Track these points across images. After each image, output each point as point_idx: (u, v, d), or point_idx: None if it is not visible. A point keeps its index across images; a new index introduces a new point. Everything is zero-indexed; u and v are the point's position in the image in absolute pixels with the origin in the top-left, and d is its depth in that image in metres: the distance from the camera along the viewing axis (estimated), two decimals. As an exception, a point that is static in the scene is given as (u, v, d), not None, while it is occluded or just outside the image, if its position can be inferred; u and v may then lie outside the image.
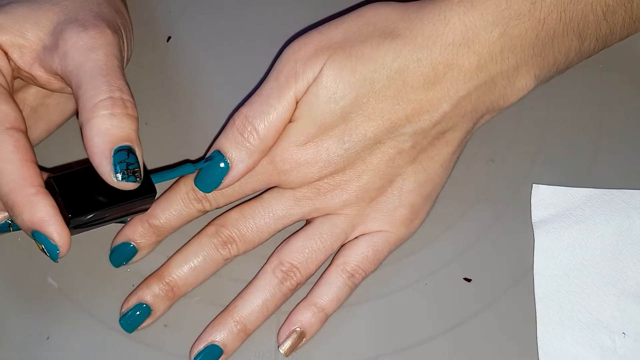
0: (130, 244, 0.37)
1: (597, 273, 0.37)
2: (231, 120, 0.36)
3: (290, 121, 0.36)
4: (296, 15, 0.44)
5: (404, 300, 0.37)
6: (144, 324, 0.36)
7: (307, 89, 0.35)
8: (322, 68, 0.35)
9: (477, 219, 0.39)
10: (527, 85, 0.37)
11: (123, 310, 0.36)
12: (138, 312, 0.36)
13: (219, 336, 0.36)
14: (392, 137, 0.36)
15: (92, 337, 0.37)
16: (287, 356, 0.36)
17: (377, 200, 0.37)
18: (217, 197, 0.37)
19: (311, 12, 0.44)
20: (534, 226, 0.38)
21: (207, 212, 0.38)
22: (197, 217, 0.38)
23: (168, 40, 0.45)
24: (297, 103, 0.35)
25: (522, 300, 0.37)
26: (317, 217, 0.37)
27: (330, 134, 0.36)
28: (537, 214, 0.39)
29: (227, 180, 0.36)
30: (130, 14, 0.44)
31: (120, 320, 0.36)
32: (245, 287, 0.37)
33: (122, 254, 0.37)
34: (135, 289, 0.37)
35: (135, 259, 0.38)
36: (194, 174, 0.37)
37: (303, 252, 0.36)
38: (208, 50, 0.45)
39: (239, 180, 0.36)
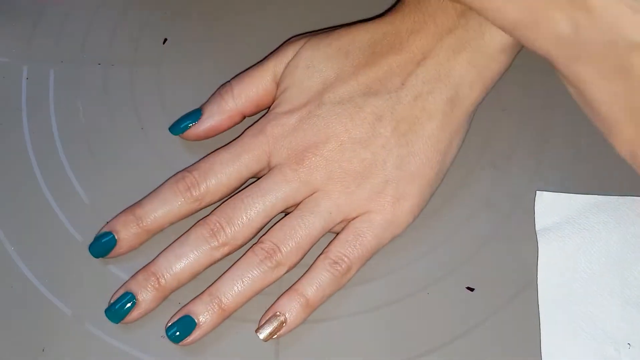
0: (111, 234, 0.37)
1: (602, 282, 0.37)
2: None
3: (275, 98, 0.39)
4: (295, 19, 0.44)
5: (406, 310, 0.37)
6: (131, 316, 0.36)
7: (288, 63, 0.39)
8: (301, 46, 0.39)
9: (479, 226, 0.38)
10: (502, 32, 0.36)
11: (110, 301, 0.36)
12: (128, 305, 0.36)
13: (193, 308, 0.35)
14: (369, 101, 0.37)
15: (89, 349, 0.36)
16: (266, 341, 0.36)
17: (362, 177, 0.36)
18: (208, 174, 0.37)
19: (312, 15, 0.44)
20: (537, 234, 0.38)
21: (200, 200, 0.37)
22: (191, 208, 0.37)
23: (164, 42, 0.44)
24: (277, 77, 0.39)
25: (526, 310, 0.36)
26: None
27: (312, 100, 0.38)
28: (540, 221, 0.38)
29: (194, 127, 0.39)
30: (125, 16, 0.43)
31: (105, 311, 0.36)
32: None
33: (101, 245, 0.37)
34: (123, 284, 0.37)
35: (115, 252, 0.37)
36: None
37: (282, 229, 0.36)
38: (204, 53, 0.44)
39: (205, 132, 0.39)
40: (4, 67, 0.44)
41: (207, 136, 0.40)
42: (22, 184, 0.40)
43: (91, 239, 0.38)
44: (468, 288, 0.37)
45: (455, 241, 0.38)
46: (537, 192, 0.39)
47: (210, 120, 0.39)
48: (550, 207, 0.38)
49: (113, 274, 0.38)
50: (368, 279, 0.37)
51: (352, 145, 0.37)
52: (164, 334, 0.36)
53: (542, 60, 0.42)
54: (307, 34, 0.40)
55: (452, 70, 0.37)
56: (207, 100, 0.40)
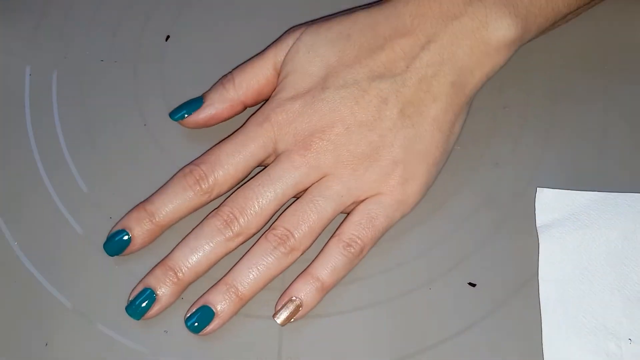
0: (125, 232, 0.37)
1: (603, 278, 0.37)
2: None
3: (276, 85, 0.39)
4: (298, 14, 0.44)
5: (409, 305, 0.37)
6: (152, 311, 0.36)
7: (289, 50, 0.39)
8: (301, 33, 0.39)
9: (481, 223, 0.39)
10: (506, 26, 0.37)
11: (129, 298, 0.36)
12: (148, 301, 0.36)
13: (210, 298, 0.36)
14: (373, 85, 0.37)
15: (92, 343, 0.36)
16: (283, 326, 0.36)
17: (370, 159, 0.37)
18: (215, 166, 0.37)
19: (312, 6, 0.44)
20: (538, 231, 0.38)
21: (210, 193, 0.37)
22: (201, 201, 0.37)
23: (167, 39, 0.44)
24: (277, 65, 0.39)
25: (528, 306, 0.37)
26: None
27: (315, 85, 0.38)
28: (541, 218, 0.38)
29: (194, 114, 0.40)
30: (127, 13, 0.43)
31: (126, 308, 0.36)
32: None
33: (116, 243, 0.37)
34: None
35: (129, 249, 0.37)
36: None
37: (294, 214, 0.36)
38: (207, 49, 0.44)
39: (204, 120, 0.40)
40: (7, 64, 0.44)
41: (207, 124, 0.40)
42: (26, 180, 0.40)
43: (94, 234, 0.38)
44: (470, 284, 0.37)
45: (458, 237, 0.38)
46: (537, 188, 0.39)
47: (211, 109, 0.40)
48: (551, 204, 0.39)
49: (116, 268, 0.38)
50: (372, 274, 0.38)
51: (359, 129, 0.37)
52: (168, 329, 0.36)
53: (543, 58, 0.43)
54: (308, 23, 0.40)
55: (455, 55, 0.37)
56: (209, 89, 0.40)
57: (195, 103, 0.40)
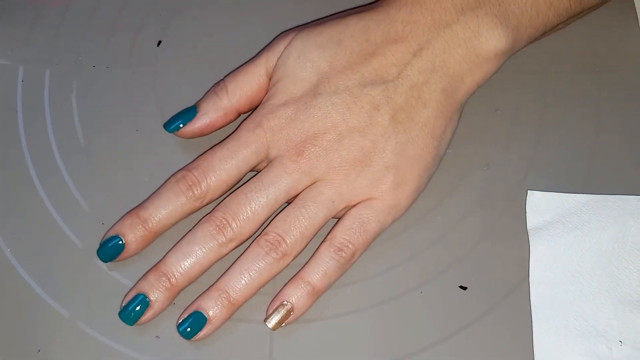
0: (118, 238, 0.37)
1: (593, 280, 0.37)
2: None
3: (268, 89, 0.39)
4: (289, 20, 0.44)
5: (400, 308, 0.37)
6: (145, 317, 0.36)
7: (280, 55, 0.39)
8: (292, 38, 0.39)
9: (472, 225, 0.39)
10: (498, 36, 0.37)
11: (122, 304, 0.36)
12: (141, 306, 0.36)
13: (202, 303, 0.36)
14: (365, 91, 0.37)
15: (84, 350, 0.36)
16: (274, 330, 0.36)
17: (362, 165, 0.37)
18: (207, 172, 0.37)
19: (303, 11, 0.44)
20: (529, 233, 0.38)
21: (202, 198, 0.37)
22: (194, 207, 0.37)
23: (158, 44, 0.44)
24: (269, 71, 0.39)
25: (519, 309, 0.37)
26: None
27: (307, 91, 0.38)
28: (532, 220, 0.38)
29: (189, 124, 0.39)
30: (120, 18, 0.43)
31: (119, 314, 0.36)
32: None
33: (109, 249, 0.37)
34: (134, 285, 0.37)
35: (123, 255, 0.37)
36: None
37: (286, 220, 0.36)
38: (199, 54, 0.44)
39: (199, 130, 0.39)
40: (-1, 69, 0.44)
41: (202, 134, 0.40)
42: (18, 185, 0.40)
43: (86, 239, 0.38)
44: (461, 287, 0.37)
45: (449, 240, 0.38)
46: (528, 191, 0.39)
47: (205, 118, 0.40)
48: (542, 206, 0.39)
49: (109, 274, 0.38)
50: (362, 278, 0.38)
51: (351, 134, 0.37)
52: (160, 334, 0.36)
53: (535, 61, 0.43)
54: (299, 27, 0.40)
55: (446, 63, 0.37)
56: (202, 98, 0.40)
57: (189, 113, 0.40)
